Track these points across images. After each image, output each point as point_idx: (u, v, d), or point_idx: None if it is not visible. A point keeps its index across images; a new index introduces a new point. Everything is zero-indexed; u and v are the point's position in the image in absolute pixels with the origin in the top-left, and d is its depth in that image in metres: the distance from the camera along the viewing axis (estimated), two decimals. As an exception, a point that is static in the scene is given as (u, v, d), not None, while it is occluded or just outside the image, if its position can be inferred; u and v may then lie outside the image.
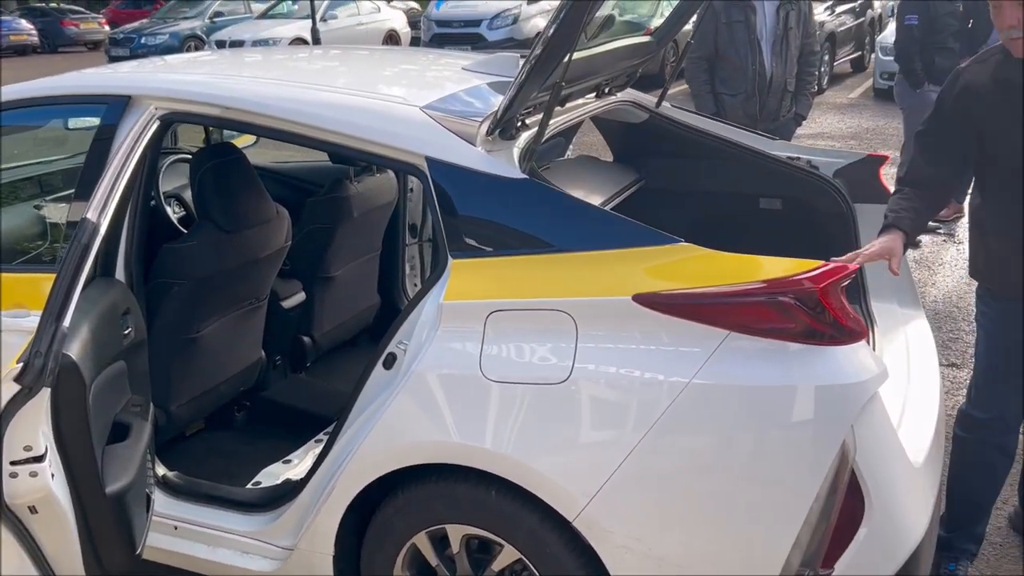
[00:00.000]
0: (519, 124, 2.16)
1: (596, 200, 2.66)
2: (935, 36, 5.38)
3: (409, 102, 2.16)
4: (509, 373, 1.90)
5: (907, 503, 1.89)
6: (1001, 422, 2.56)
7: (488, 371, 1.91)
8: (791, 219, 2.96)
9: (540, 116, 2.07)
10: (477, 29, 14.41)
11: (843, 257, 2.25)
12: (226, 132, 3.34)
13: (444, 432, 1.97)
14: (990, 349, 2.58)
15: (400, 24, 19.22)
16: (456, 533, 2.09)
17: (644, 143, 3.13)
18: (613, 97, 2.90)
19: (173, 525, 2.38)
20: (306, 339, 3.22)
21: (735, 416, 1.81)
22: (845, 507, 1.78)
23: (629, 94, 3.02)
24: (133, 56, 16.08)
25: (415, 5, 22.92)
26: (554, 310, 1.88)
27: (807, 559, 1.79)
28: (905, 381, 2.36)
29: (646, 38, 2.98)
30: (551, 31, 1.87)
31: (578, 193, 2.61)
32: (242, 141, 3.46)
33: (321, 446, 2.23)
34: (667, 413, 1.79)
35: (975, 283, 2.66)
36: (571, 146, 3.66)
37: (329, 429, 2.50)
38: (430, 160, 2.03)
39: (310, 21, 16.05)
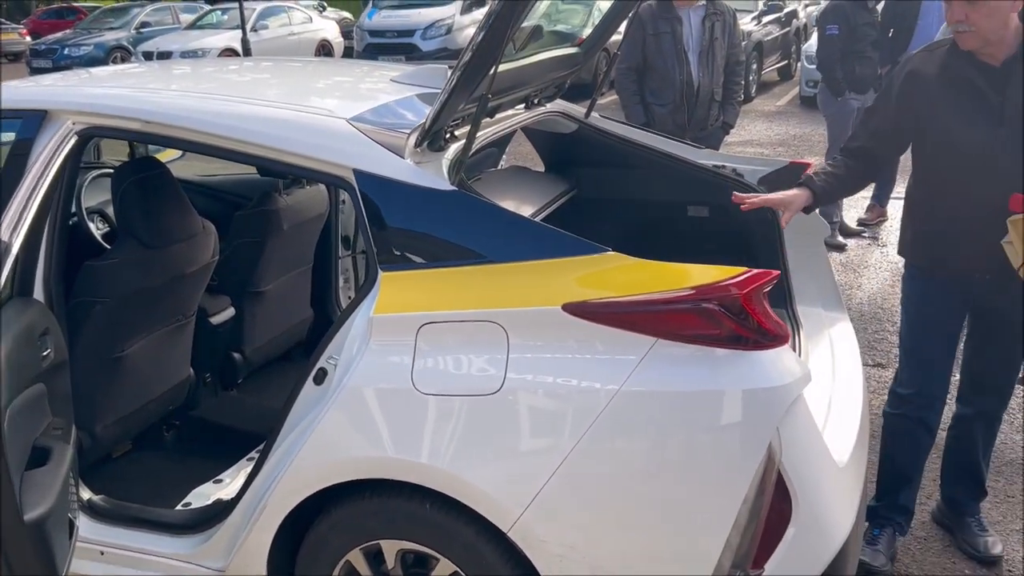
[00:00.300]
0: (447, 135, 2.16)
1: (528, 210, 2.67)
2: (855, 45, 5.54)
3: (336, 114, 2.15)
4: (441, 385, 1.90)
5: (832, 502, 1.93)
6: (922, 398, 2.73)
7: (420, 384, 1.90)
8: (718, 226, 3.02)
9: (468, 128, 2.07)
10: (411, 39, 14.41)
11: (743, 195, 2.53)
12: (151, 146, 3.27)
13: (377, 447, 1.95)
14: (912, 327, 2.76)
15: (333, 34, 19.10)
16: (391, 548, 2.08)
17: (574, 153, 3.16)
18: (542, 108, 2.92)
19: (99, 550, 2.31)
20: (236, 355, 3.17)
21: (665, 421, 1.83)
22: (773, 508, 1.82)
23: (558, 105, 3.05)
24: (56, 68, 15.63)
25: (348, 15, 22.77)
26: (485, 321, 1.88)
27: (738, 561, 1.82)
28: (830, 382, 2.42)
29: (573, 49, 3.02)
30: (476, 43, 1.87)
31: (509, 203, 2.63)
32: (167, 155, 3.39)
33: (253, 464, 2.19)
34: (598, 420, 1.81)
35: (899, 285, 2.76)
36: (504, 155, 3.68)
37: (262, 447, 2.46)
38: (358, 172, 2.02)
39: (240, 31, 15.87)
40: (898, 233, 2.83)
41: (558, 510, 1.86)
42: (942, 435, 2.90)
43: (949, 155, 2.52)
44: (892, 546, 2.81)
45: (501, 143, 3.36)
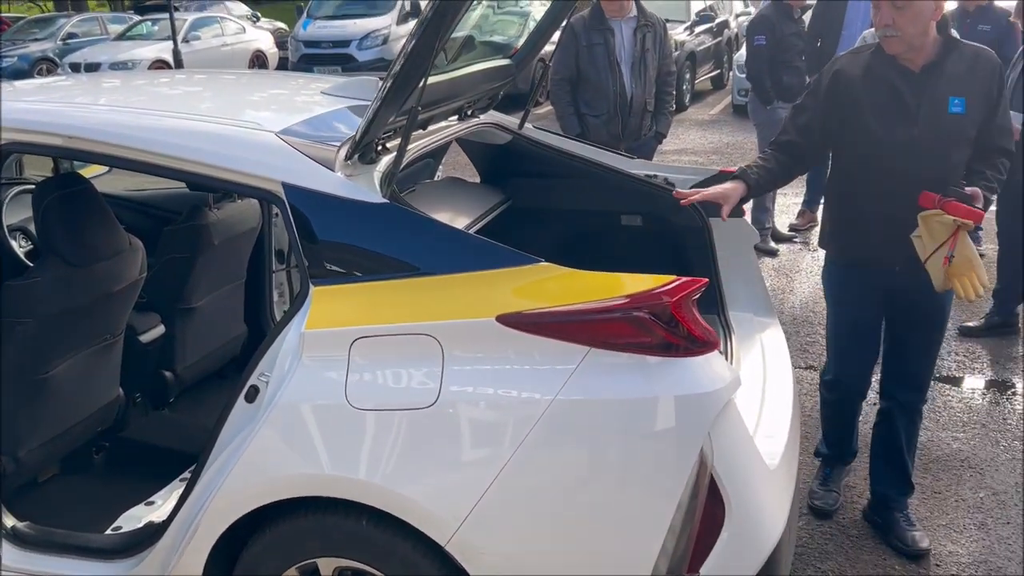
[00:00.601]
0: (379, 148, 2.15)
1: (463, 221, 2.68)
2: (782, 56, 5.68)
3: (264, 127, 2.12)
4: (376, 400, 1.88)
5: (765, 505, 1.97)
6: (847, 384, 3.01)
7: (354, 399, 1.88)
8: (651, 234, 3.06)
9: (400, 140, 2.07)
10: (347, 50, 14.31)
11: (683, 191, 2.67)
12: (76, 161, 3.18)
13: (311, 464, 1.93)
14: (835, 317, 2.98)
15: (267, 45, 18.87)
16: (328, 566, 2.05)
17: (509, 164, 3.17)
18: (476, 119, 2.92)
19: (24, 579, 2.24)
20: (168, 374, 3.10)
21: (600, 429, 1.84)
22: (706, 512, 1.84)
23: (492, 116, 3.06)
24: (-23, 80, 15.12)
25: (283, 25, 22.51)
26: (419, 334, 1.87)
27: (673, 565, 1.84)
28: (761, 386, 2.46)
29: (506, 61, 3.03)
30: (405, 55, 1.87)
31: (444, 215, 2.63)
32: (93, 170, 3.31)
33: (185, 485, 2.15)
34: (534, 431, 1.81)
35: None
36: (441, 166, 3.68)
37: (194, 467, 2.41)
38: (287, 186, 1.99)
39: (171, 42, 15.58)
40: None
41: (496, 521, 1.85)
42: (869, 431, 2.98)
43: (868, 152, 2.68)
44: (841, 480, 3.19)
45: (437, 154, 3.36)
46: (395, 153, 2.08)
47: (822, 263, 3.03)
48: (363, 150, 2.06)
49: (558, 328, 1.82)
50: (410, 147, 2.36)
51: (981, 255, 5.45)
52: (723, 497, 1.85)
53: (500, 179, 3.22)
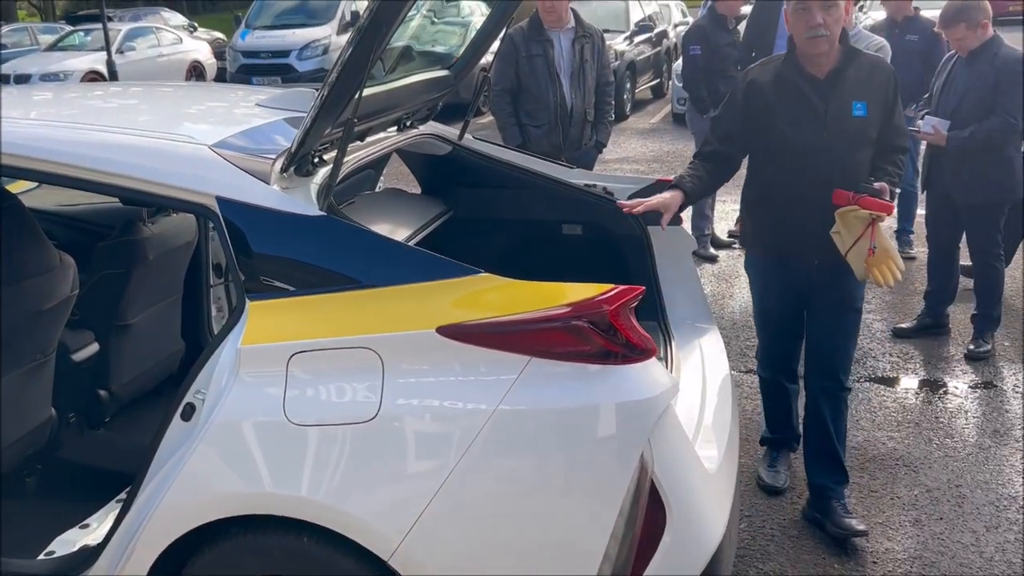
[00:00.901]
0: (315, 160, 2.14)
1: (403, 233, 2.67)
2: (717, 65, 5.78)
3: (197, 141, 2.09)
4: (315, 415, 1.86)
5: (705, 508, 1.99)
6: (777, 373, 3.21)
7: (293, 415, 1.86)
8: (592, 243, 3.09)
9: (336, 152, 2.05)
10: (286, 60, 14.17)
11: (628, 202, 2.76)
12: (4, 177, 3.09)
13: (250, 482, 1.90)
14: (760, 309, 3.19)
15: (205, 55, 18.59)
16: (270, 584, 2.02)
17: (450, 174, 3.17)
18: (415, 130, 2.92)
19: (-49, 610, 2.16)
20: (103, 393, 3.02)
21: (542, 439, 1.85)
22: (648, 518, 1.86)
23: (431, 127, 3.06)
24: (-100, 92, 14.61)
25: (220, 35, 22.21)
26: (359, 347, 1.86)
27: (616, 571, 1.85)
28: (700, 391, 2.50)
29: (444, 72, 3.03)
30: (340, 67, 1.86)
31: (385, 226, 2.62)
32: (21, 185, 3.22)
33: (121, 506, 2.10)
34: (476, 442, 1.81)
35: None
36: (383, 177, 3.66)
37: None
38: (221, 200, 1.97)
39: (105, 53, 15.26)
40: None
41: (439, 534, 1.85)
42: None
43: (783, 154, 2.88)
44: (788, 463, 3.35)
45: (378, 165, 3.34)
46: (332, 165, 2.07)
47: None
48: (299, 162, 2.04)
49: (498, 338, 1.83)
50: (348, 159, 2.36)
51: (912, 258, 5.64)
52: (664, 502, 1.88)
53: (441, 190, 3.22)
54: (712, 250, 6.16)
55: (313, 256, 1.96)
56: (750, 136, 2.94)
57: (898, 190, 2.92)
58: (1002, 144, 4.02)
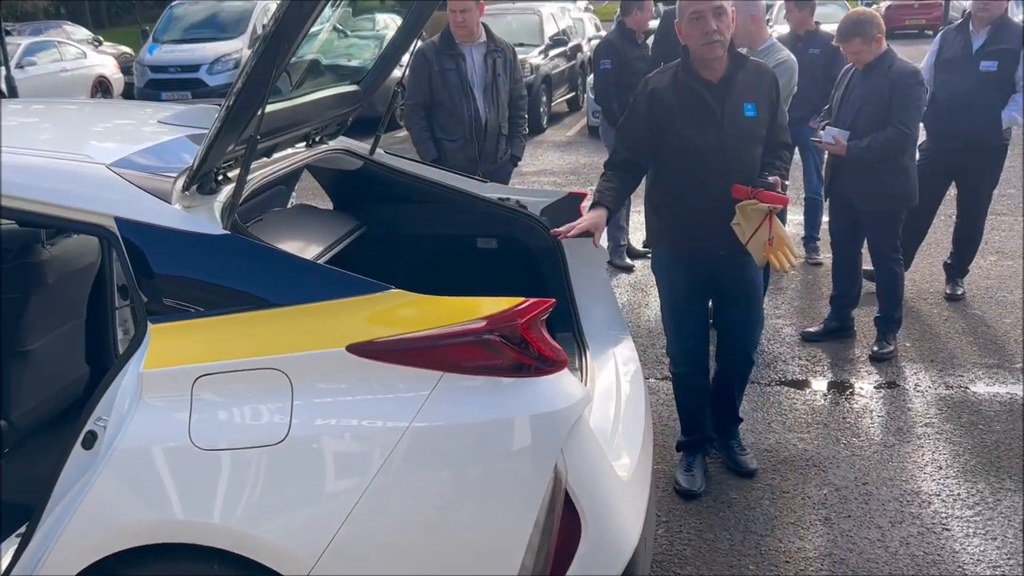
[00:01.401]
0: (219, 178, 2.10)
1: (314, 250, 2.64)
2: (628, 79, 5.87)
3: (95, 160, 2.03)
4: (222, 439, 1.82)
5: (620, 515, 2.02)
6: (689, 364, 3.34)
7: (199, 440, 1.81)
8: (507, 257, 3.11)
9: (240, 170, 2.02)
10: (196, 74, 13.86)
11: (559, 229, 2.83)
12: None
13: (155, 509, 1.84)
14: (670, 304, 3.32)
15: (111, 70, 18.02)
16: (180, 614, 1.96)
17: (362, 190, 3.15)
18: (324, 145, 2.89)
19: None
20: (2, 422, 2.89)
21: (456, 454, 1.85)
22: (563, 528, 1.88)
23: (342, 142, 3.03)
24: None
25: (127, 50, 21.59)
26: (266, 368, 1.83)
27: (534, 583, 1.86)
28: (614, 400, 2.53)
29: (354, 87, 3.01)
30: (241, 83, 1.84)
31: (295, 243, 2.58)
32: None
33: (21, 539, 2.01)
34: (389, 460, 1.80)
35: None
36: (295, 193, 3.61)
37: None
38: (120, 220, 1.91)
39: (3, 68, 14.65)
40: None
41: (354, 554, 1.83)
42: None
43: (686, 155, 3.07)
44: (704, 467, 3.44)
45: (289, 181, 3.29)
46: (235, 183, 2.03)
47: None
48: (201, 180, 2.00)
49: (409, 355, 1.82)
50: (255, 175, 2.32)
51: (819, 264, 5.84)
52: (578, 511, 1.89)
53: (353, 205, 3.19)
54: (628, 260, 6.25)
55: (217, 276, 1.92)
56: (655, 140, 3.10)
57: (787, 182, 3.14)
58: (898, 153, 4.20)
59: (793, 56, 4.60)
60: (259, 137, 1.98)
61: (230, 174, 2.13)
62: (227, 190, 2.08)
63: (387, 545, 1.85)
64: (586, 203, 3.03)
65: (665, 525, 3.14)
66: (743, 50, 3.99)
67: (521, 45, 11.74)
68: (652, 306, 5.46)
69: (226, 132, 1.90)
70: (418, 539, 1.86)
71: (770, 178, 3.03)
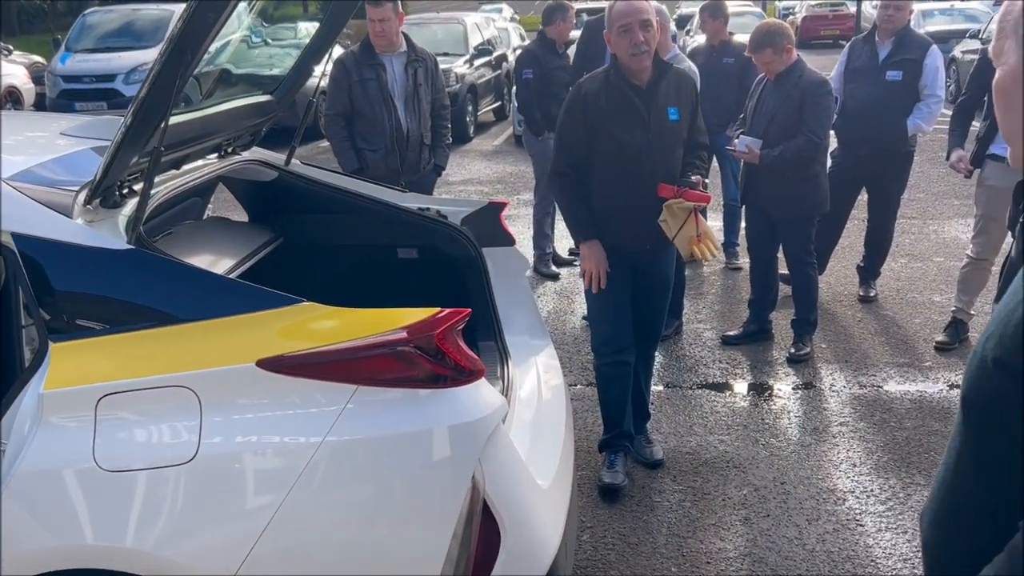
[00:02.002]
0: (123, 191, 2.04)
1: (227, 263, 2.59)
2: (549, 88, 5.94)
3: (-9, 173, 1.95)
4: (128, 460, 1.77)
5: (539, 522, 2.03)
6: (613, 354, 3.41)
7: (104, 461, 1.76)
8: (429, 267, 3.09)
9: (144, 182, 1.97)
10: (112, 84, 13.46)
11: (586, 282, 3.30)
12: None
13: (65, 535, 1.78)
14: (598, 298, 3.38)
15: (21, 80, 17.37)
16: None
17: (278, 201, 3.10)
18: (237, 157, 2.84)
19: None
20: None
21: (373, 468, 1.83)
22: (482, 537, 1.87)
23: (256, 153, 2.98)
24: None
25: (39, 59, 20.86)
26: (173, 386, 1.78)
27: (453, 594, 1.85)
28: (535, 407, 2.54)
29: (267, 97, 2.97)
30: (143, 94, 1.79)
31: (206, 257, 2.53)
32: None
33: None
34: (303, 476, 1.77)
35: None
36: (211, 205, 3.54)
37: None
38: (17, 236, 1.85)
39: (-96, 78, 14.04)
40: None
41: (271, 573, 1.79)
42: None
43: (617, 155, 3.24)
44: (626, 464, 3.51)
45: (204, 193, 3.22)
46: (140, 196, 1.98)
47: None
48: (104, 194, 1.95)
49: (322, 369, 1.80)
50: (163, 188, 2.27)
51: (738, 269, 5.97)
52: (497, 520, 1.89)
53: (269, 217, 3.14)
54: (554, 268, 6.29)
55: (121, 292, 1.87)
56: (588, 141, 3.26)
57: (707, 180, 3.37)
58: (808, 161, 4.32)
59: (695, 66, 4.73)
60: (164, 149, 1.93)
61: (135, 187, 2.08)
62: (132, 203, 2.03)
63: (304, 563, 1.82)
64: (506, 213, 3.04)
65: (589, 531, 3.16)
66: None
67: (446, 55, 11.76)
68: (577, 313, 5.51)
69: (129, 144, 1.85)
70: (335, 555, 1.83)
71: (693, 177, 3.26)
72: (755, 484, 3.46)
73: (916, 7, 18.02)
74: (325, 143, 10.07)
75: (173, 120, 1.94)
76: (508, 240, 2.97)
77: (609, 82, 3.26)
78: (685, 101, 3.34)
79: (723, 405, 4.17)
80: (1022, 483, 0.89)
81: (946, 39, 14.74)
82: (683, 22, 21.73)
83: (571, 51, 6.39)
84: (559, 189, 3.36)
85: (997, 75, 1.04)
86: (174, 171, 2.42)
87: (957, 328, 4.72)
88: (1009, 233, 3.82)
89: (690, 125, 3.37)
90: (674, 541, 3.10)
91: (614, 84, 3.25)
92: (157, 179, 2.29)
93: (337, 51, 5.15)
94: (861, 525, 3.16)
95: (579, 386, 4.39)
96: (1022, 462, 0.89)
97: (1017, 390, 0.89)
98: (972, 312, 4.76)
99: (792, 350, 4.65)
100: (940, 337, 4.73)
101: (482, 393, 1.92)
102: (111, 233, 1.90)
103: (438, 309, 1.89)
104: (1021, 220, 1.17)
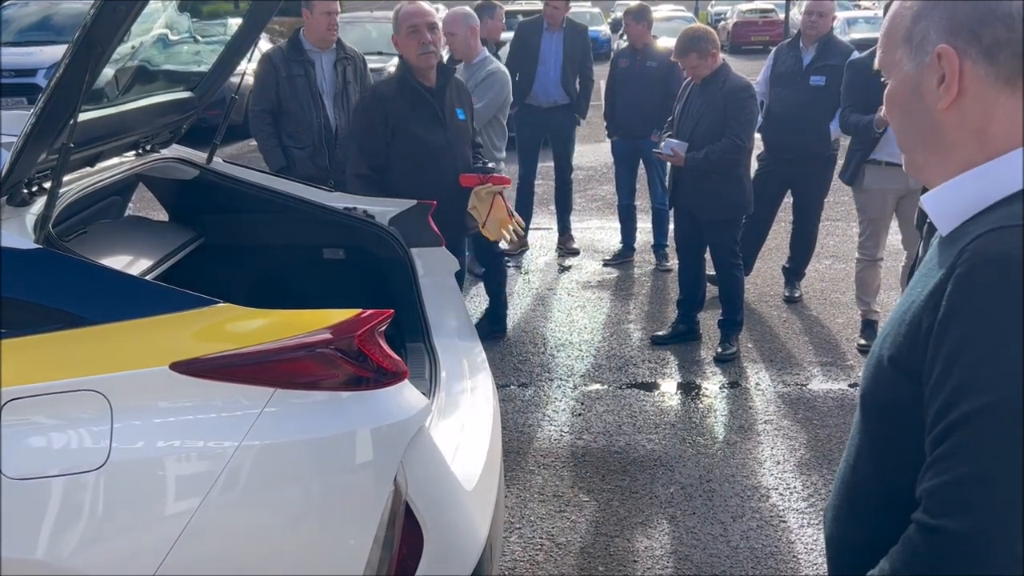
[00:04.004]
0: (32, 189, 1.97)
1: (144, 263, 2.51)
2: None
3: None
4: (36, 468, 1.70)
5: (463, 524, 2.01)
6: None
7: (11, 470, 1.69)
8: (355, 267, 3.06)
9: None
10: (33, 79, 13.00)
11: None
12: None
13: (-40, 547, 1.70)
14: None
15: (-65, 73, 16.69)
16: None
17: (199, 200, 3.03)
18: (156, 154, 2.77)
19: None
20: None
21: (293, 472, 1.80)
22: (405, 540, 1.86)
23: (175, 150, 2.91)
24: None
25: (-45, 51, 20.05)
26: (83, 390, 1.72)
27: (375, 599, 1.83)
28: (462, 408, 2.53)
29: (187, 93, 2.90)
30: (51, 90, 1.73)
31: (122, 257, 2.46)
32: None
33: None
34: (220, 481, 1.73)
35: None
36: (132, 204, 3.44)
37: None
38: (-84, 236, 1.76)
39: None
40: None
41: (184, 581, 1.75)
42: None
43: (420, 153, 3.58)
44: None
45: (123, 192, 3.13)
46: (48, 194, 1.91)
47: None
48: (11, 191, 1.88)
49: (239, 372, 1.76)
50: (76, 185, 2.20)
51: (668, 271, 6.04)
52: (420, 523, 1.88)
53: (190, 216, 3.07)
54: (480, 268, 6.28)
55: (28, 293, 1.80)
56: (388, 143, 3.57)
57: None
58: (733, 164, 4.41)
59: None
60: (73, 146, 1.87)
61: (46, 184, 2.00)
62: (41, 201, 1.96)
63: (220, 569, 1.77)
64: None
65: (517, 531, 3.17)
66: (460, 65, 4.91)
67: (380, 54, 11.67)
68: (510, 315, 5.51)
69: (36, 140, 1.79)
70: (253, 562, 1.79)
71: (489, 164, 3.79)
72: (682, 482, 3.50)
73: (841, 15, 18.57)
74: (255, 141, 9.88)
75: (85, 116, 1.88)
76: (436, 240, 2.96)
77: (404, 85, 3.59)
78: (467, 103, 3.87)
79: (652, 404, 4.22)
80: (916, 477, 0.91)
81: (870, 46, 15.18)
82: (616, 26, 21.98)
83: (504, 52, 6.39)
84: (362, 190, 3.43)
85: (891, 86, 1.06)
86: (88, 168, 2.34)
87: (871, 328, 4.86)
88: (900, 232, 3.94)
89: (471, 125, 3.87)
90: (602, 540, 3.12)
91: (409, 86, 3.58)
92: (71, 176, 2.23)
93: (264, 47, 5.08)
94: (784, 521, 3.23)
95: (512, 387, 4.39)
96: (916, 458, 0.92)
97: (911, 388, 0.92)
98: (877, 310, 4.89)
99: (719, 350, 4.73)
100: (861, 340, 4.86)
101: (405, 395, 1.91)
102: (18, 232, 1.83)
103: (360, 310, 1.86)
104: (928, 220, 1.20)
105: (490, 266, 5.04)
